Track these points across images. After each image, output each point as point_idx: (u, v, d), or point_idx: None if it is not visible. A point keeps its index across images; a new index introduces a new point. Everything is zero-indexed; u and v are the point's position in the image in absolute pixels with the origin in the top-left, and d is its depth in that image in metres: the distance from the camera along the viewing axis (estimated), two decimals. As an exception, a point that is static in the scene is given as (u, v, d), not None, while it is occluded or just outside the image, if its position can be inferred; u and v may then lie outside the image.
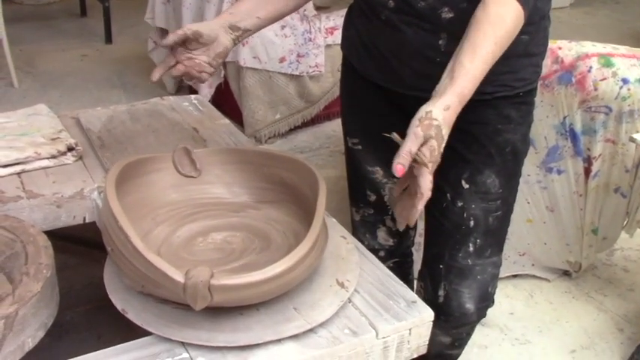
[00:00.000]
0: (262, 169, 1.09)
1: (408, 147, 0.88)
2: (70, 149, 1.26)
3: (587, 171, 1.76)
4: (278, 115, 2.77)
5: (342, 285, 0.94)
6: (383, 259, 1.39)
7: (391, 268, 1.36)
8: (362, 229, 1.41)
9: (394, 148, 1.17)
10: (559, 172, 1.75)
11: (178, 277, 0.77)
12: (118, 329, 0.94)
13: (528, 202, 1.81)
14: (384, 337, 0.90)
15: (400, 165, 0.87)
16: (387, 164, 1.27)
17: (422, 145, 0.89)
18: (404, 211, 0.94)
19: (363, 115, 1.31)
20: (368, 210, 1.38)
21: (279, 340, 0.85)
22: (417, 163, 0.89)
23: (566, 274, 2.06)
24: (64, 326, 1.58)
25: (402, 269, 1.45)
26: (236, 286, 0.78)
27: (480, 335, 1.72)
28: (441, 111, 0.91)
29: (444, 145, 0.91)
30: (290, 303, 0.90)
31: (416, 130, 0.89)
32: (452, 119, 0.93)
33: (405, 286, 0.99)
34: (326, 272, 0.96)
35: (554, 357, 1.73)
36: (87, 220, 1.21)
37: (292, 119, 2.82)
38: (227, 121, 1.51)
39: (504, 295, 1.89)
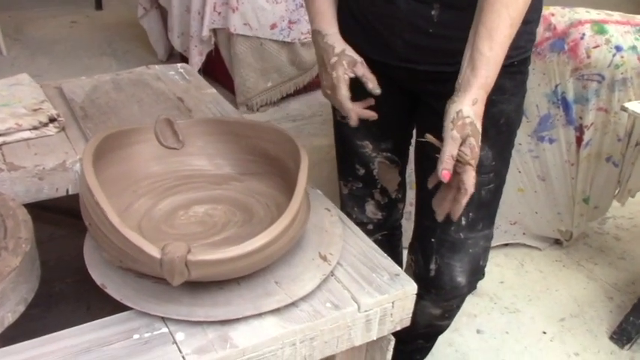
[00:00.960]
0: (246, 140, 1.07)
1: (449, 151, 0.91)
2: (52, 120, 1.25)
3: (579, 140, 1.75)
4: (270, 82, 2.73)
5: (324, 258, 0.93)
6: (371, 233, 1.38)
7: (380, 241, 1.37)
8: (350, 203, 1.40)
9: (383, 121, 1.15)
10: (551, 141, 1.73)
11: (155, 252, 0.76)
12: (107, 300, 0.93)
13: (519, 172, 1.79)
14: (366, 311, 0.89)
15: (446, 170, 0.91)
16: (375, 138, 1.28)
17: (461, 144, 0.92)
18: (444, 202, 0.98)
19: (355, 89, 1.26)
20: (356, 184, 1.37)
21: (259, 315, 0.84)
22: (460, 162, 0.92)
23: (557, 242, 2.05)
24: (54, 297, 1.58)
25: (390, 241, 1.45)
26: (213, 261, 0.77)
27: (469, 304, 1.72)
28: (470, 107, 0.93)
29: (480, 137, 0.94)
30: (271, 277, 0.89)
31: (452, 133, 0.92)
32: (482, 110, 0.95)
33: (389, 258, 0.98)
34: (308, 245, 0.95)
35: (543, 325, 1.74)
36: (70, 192, 1.20)
37: (284, 87, 2.78)
38: (213, 90, 1.48)
39: (495, 264, 1.89)
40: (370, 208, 1.38)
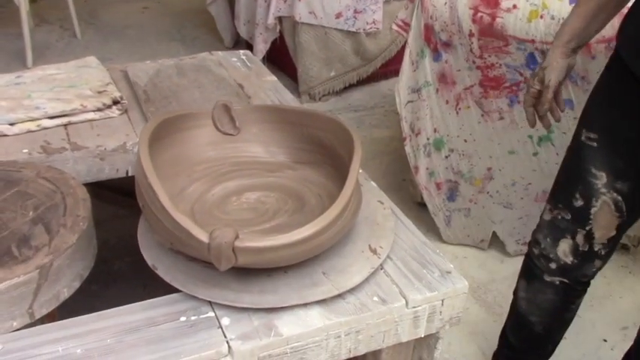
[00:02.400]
0: (301, 128, 1.07)
1: None
2: (116, 102, 1.28)
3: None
4: (333, 72, 2.72)
5: (374, 251, 0.92)
6: (551, 272, 1.24)
7: (555, 287, 1.24)
8: (545, 231, 1.24)
9: (632, 156, 1.08)
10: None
11: (203, 237, 0.76)
12: (162, 280, 0.95)
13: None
14: (414, 307, 0.88)
15: None
16: (615, 173, 1.13)
17: None
18: None
19: (615, 113, 1.14)
20: (565, 214, 1.19)
21: (305, 304, 0.84)
22: None
23: (624, 248, 1.96)
24: (112, 275, 1.63)
25: (566, 294, 1.28)
26: (260, 248, 0.77)
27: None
28: None
29: None
30: (319, 267, 0.88)
31: None
32: None
33: (441, 255, 0.95)
34: (359, 237, 0.94)
35: (603, 332, 1.67)
36: (129, 174, 1.23)
37: (347, 77, 2.77)
38: (274, 78, 1.49)
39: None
40: (564, 247, 1.21)
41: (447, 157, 1.74)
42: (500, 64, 1.57)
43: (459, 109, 1.67)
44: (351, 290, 0.86)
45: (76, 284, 0.94)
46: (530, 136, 1.64)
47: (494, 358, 1.43)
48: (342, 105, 2.74)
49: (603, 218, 1.14)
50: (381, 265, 0.91)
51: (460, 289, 0.91)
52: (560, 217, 1.19)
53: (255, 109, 1.10)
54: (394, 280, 0.90)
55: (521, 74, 1.57)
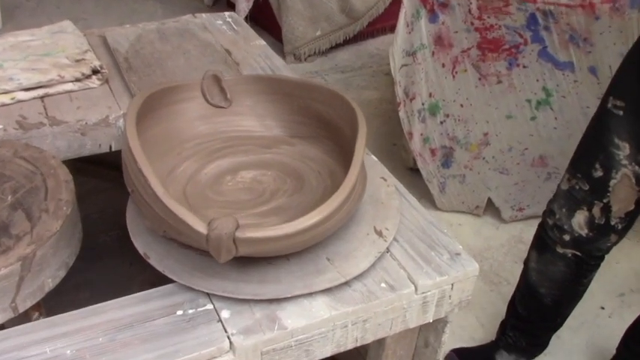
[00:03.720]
0: (298, 101, 1.00)
1: None
2: (95, 72, 1.19)
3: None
4: (319, 31, 2.63)
5: (380, 234, 0.87)
6: (564, 244, 1.20)
7: (567, 259, 1.20)
8: (562, 201, 1.18)
9: None
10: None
11: (201, 228, 0.70)
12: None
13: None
14: (423, 293, 0.83)
15: None
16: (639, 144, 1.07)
17: None
18: None
19: None
20: (583, 185, 1.14)
21: (310, 294, 0.79)
22: None
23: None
24: (98, 250, 1.56)
25: (579, 267, 1.24)
26: (262, 239, 0.71)
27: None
28: None
29: None
30: (323, 252, 0.83)
31: None
32: None
33: (449, 235, 0.91)
34: (363, 219, 0.89)
35: (601, 300, 1.65)
36: (113, 149, 1.16)
37: (334, 36, 2.68)
38: (262, 42, 1.40)
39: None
40: (579, 219, 1.16)
41: (442, 122, 1.69)
42: (500, 26, 1.50)
43: (456, 72, 1.61)
44: (358, 276, 0.81)
45: (62, 273, 0.88)
46: (529, 100, 1.59)
47: (501, 328, 1.40)
48: (329, 66, 2.66)
49: (622, 191, 1.09)
50: (387, 248, 0.86)
51: (471, 272, 0.86)
52: (577, 187, 1.14)
53: (248, 79, 1.03)
54: (402, 264, 0.85)
55: (521, 36, 1.51)
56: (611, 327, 1.56)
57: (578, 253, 1.19)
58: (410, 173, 1.96)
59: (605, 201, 1.12)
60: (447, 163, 1.74)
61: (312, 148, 0.98)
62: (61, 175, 0.94)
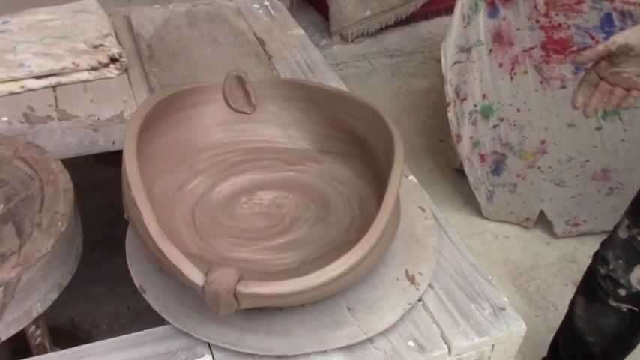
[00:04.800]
0: (329, 112, 0.87)
1: None
2: (114, 60, 1.09)
3: None
4: (368, 11, 2.47)
5: (412, 280, 0.74)
6: (617, 299, 1.05)
7: (621, 313, 1.06)
8: (618, 251, 1.03)
9: None
10: None
11: (197, 278, 0.59)
12: None
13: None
14: (457, 355, 0.71)
15: None
16: None
17: None
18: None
19: None
20: None
21: (324, 351, 0.67)
22: None
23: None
24: (118, 241, 1.49)
25: (633, 322, 1.08)
26: (268, 295, 0.60)
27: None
28: None
29: None
30: (342, 300, 0.72)
31: None
32: None
33: (493, 284, 0.78)
34: (393, 259, 0.77)
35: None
36: (128, 147, 1.06)
37: (384, 17, 2.51)
38: (301, 32, 1.28)
39: None
40: (639, 274, 1.01)
41: (495, 126, 1.53)
42: (569, 25, 1.33)
43: (514, 73, 1.44)
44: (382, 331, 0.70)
45: (53, 296, 0.79)
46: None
47: None
48: (377, 48, 2.50)
49: None
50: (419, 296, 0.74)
51: (516, 333, 0.73)
52: (639, 237, 0.99)
53: (275, 83, 0.91)
54: (435, 318, 0.73)
55: (592, 38, 1.34)
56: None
57: (634, 309, 1.03)
58: (455, 175, 1.81)
59: None
60: (497, 170, 1.58)
61: (343, 168, 0.86)
62: (60, 183, 0.85)
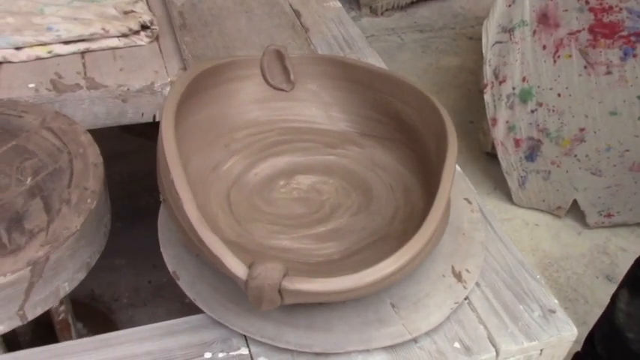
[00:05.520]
0: (374, 93, 0.82)
1: None
2: (145, 28, 1.04)
3: None
4: (400, -17, 2.40)
5: (458, 277, 0.70)
6: None
7: None
8: None
9: None
10: None
11: (240, 272, 0.55)
12: None
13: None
14: (505, 358, 0.67)
15: None
16: None
17: None
18: None
19: None
20: None
21: (366, 350, 0.64)
22: None
23: None
24: (139, 212, 1.46)
25: None
26: (315, 293, 0.56)
27: (604, 294, 1.44)
28: None
29: None
30: (386, 295, 0.68)
31: None
32: None
33: (542, 283, 0.73)
34: (439, 254, 0.72)
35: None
36: (157, 119, 1.02)
37: (416, -10, 2.44)
38: (338, 4, 1.22)
39: (640, 245, 1.58)
40: None
41: (533, 111, 1.47)
42: (621, 8, 1.26)
43: (558, 57, 1.38)
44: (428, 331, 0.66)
45: (81, 275, 0.76)
46: (640, 97, 1.36)
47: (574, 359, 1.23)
48: (407, 22, 2.43)
49: None
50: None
51: (567, 338, 0.69)
52: None
53: (317, 59, 0.86)
54: (482, 319, 0.69)
55: (645, 22, 1.27)
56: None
57: None
58: (486, 158, 1.76)
59: None
60: (531, 156, 1.53)
61: (386, 154, 0.82)
62: (90, 157, 0.81)
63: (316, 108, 0.86)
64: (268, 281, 0.54)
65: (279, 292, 0.56)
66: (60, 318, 0.95)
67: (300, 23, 1.13)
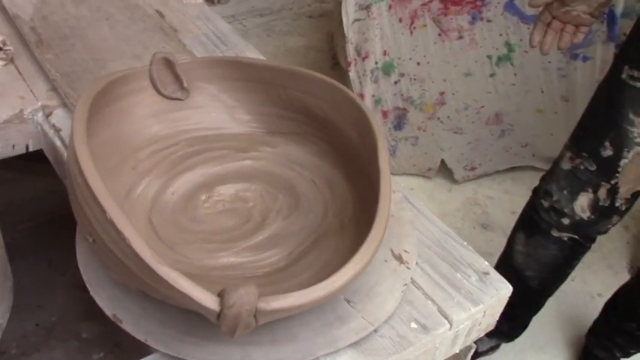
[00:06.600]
0: (277, 90, 0.81)
1: None
2: (-4, 49, 0.93)
3: (613, 56, 1.54)
4: (231, -32, 2.35)
5: (399, 259, 0.72)
6: (561, 229, 1.09)
7: (562, 242, 1.11)
8: (562, 182, 1.07)
9: None
10: (585, 59, 1.53)
11: (211, 303, 0.52)
12: (69, 251, 0.69)
13: (542, 91, 1.59)
14: (456, 328, 0.70)
15: None
16: None
17: None
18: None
19: None
20: (589, 165, 1.03)
21: (335, 351, 0.63)
22: None
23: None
24: (8, 250, 1.32)
25: (572, 251, 1.15)
26: (292, 307, 0.54)
27: (483, 241, 1.57)
28: None
29: None
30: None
31: None
32: None
33: (471, 250, 0.77)
34: (377, 240, 0.73)
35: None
36: (30, 149, 0.92)
37: (248, -26, 2.41)
38: (199, 0, 1.17)
39: (504, 192, 1.73)
40: (582, 202, 1.05)
41: (396, 82, 1.53)
42: (465, -24, 1.34)
43: (414, 28, 1.44)
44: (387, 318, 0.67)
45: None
46: (489, 56, 1.47)
47: None
48: (245, 8, 2.40)
49: (633, 171, 1.00)
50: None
51: (504, 295, 0.74)
52: (582, 167, 1.04)
53: (210, 63, 0.82)
54: (428, 294, 0.71)
55: (485, -13, 1.36)
56: (575, 291, 1.53)
57: (575, 237, 1.10)
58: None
59: (613, 182, 1.02)
60: (399, 125, 1.60)
61: (300, 149, 0.81)
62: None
63: (218, 113, 0.82)
64: (246, 307, 0.52)
65: (255, 315, 0.53)
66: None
67: (167, 23, 1.07)
